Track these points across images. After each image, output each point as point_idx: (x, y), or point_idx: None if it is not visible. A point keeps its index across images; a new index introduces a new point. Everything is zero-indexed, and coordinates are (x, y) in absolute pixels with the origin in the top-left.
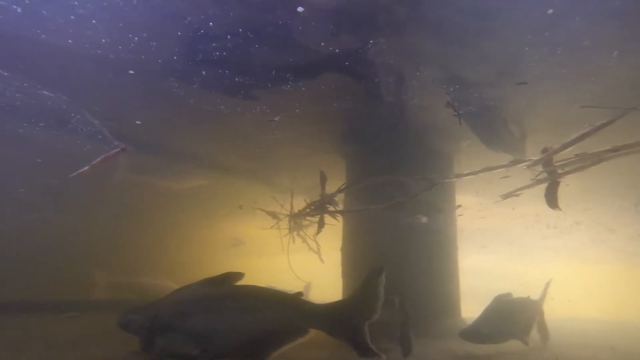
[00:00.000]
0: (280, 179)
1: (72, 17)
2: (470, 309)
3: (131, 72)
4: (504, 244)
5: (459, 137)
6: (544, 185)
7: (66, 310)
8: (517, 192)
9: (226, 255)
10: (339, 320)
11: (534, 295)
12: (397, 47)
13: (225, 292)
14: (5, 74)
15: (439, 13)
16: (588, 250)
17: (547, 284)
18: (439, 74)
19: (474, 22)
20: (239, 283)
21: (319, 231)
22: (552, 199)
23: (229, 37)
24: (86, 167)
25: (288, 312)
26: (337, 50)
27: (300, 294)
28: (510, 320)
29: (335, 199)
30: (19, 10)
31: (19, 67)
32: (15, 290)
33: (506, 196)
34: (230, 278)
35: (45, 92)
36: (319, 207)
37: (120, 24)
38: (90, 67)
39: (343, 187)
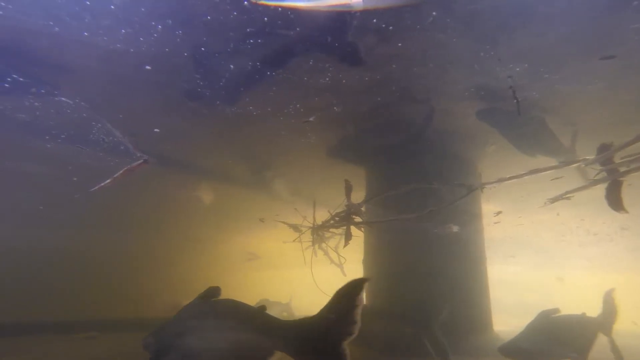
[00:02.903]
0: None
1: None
2: (501, 321)
3: (148, 67)
4: (534, 252)
5: (484, 142)
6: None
7: (85, 330)
8: (568, 195)
9: (242, 269)
10: (309, 338)
11: (592, 310)
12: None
13: (203, 310)
14: (22, 79)
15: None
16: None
17: (611, 297)
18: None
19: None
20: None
21: (346, 243)
22: (615, 201)
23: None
24: (109, 180)
25: (248, 331)
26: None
27: (263, 307)
28: (558, 338)
29: (362, 208)
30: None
31: (34, 71)
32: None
33: (553, 200)
34: (211, 293)
35: (64, 99)
36: (345, 218)
37: (143, 9)
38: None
39: (371, 196)
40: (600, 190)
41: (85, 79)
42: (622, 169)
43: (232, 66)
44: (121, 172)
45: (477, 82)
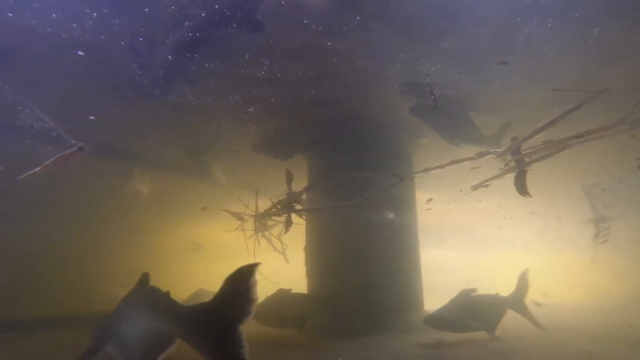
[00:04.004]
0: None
1: None
2: (432, 302)
3: (80, 52)
4: (463, 237)
5: (419, 134)
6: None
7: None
8: (487, 183)
9: (186, 260)
10: (205, 325)
11: (509, 287)
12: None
13: (129, 299)
14: None
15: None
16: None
17: (524, 277)
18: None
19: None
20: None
21: (286, 230)
22: (521, 187)
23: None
24: (38, 168)
25: (153, 320)
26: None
27: (168, 293)
28: (473, 313)
29: (302, 197)
30: None
31: None
32: None
33: (476, 187)
34: (143, 280)
35: None
36: (286, 206)
37: None
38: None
39: (311, 184)
40: (512, 178)
41: (11, 61)
42: (526, 160)
43: (170, 57)
44: (53, 159)
45: (408, 80)
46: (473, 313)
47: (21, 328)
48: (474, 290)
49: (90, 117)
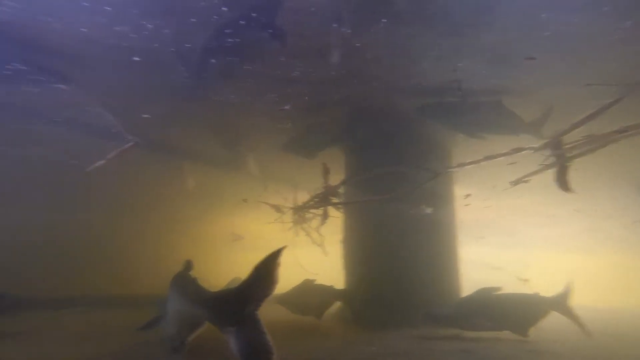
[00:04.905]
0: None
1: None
2: None
3: (136, 58)
4: (503, 235)
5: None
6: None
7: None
8: (526, 179)
9: (225, 249)
10: (226, 306)
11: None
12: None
13: (171, 283)
14: (21, 67)
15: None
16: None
17: (572, 277)
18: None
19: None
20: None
21: (322, 223)
22: (562, 183)
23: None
24: (102, 161)
25: (183, 301)
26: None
27: (195, 279)
28: (496, 311)
29: (339, 191)
30: None
31: (35, 59)
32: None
33: (515, 183)
34: (187, 267)
35: (61, 86)
36: (323, 199)
37: (135, 11)
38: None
39: (347, 179)
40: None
41: (81, 67)
42: (568, 155)
43: (213, 60)
44: (114, 153)
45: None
46: (493, 312)
47: (80, 304)
48: (497, 288)
49: (144, 116)
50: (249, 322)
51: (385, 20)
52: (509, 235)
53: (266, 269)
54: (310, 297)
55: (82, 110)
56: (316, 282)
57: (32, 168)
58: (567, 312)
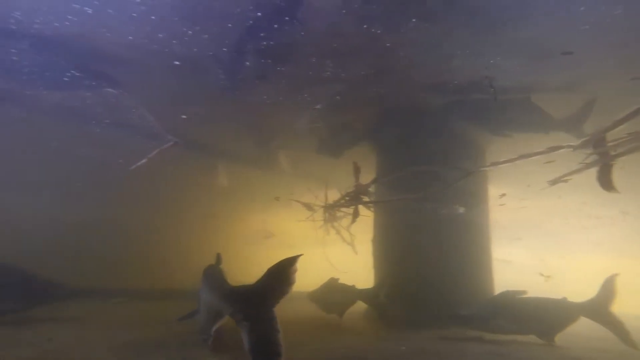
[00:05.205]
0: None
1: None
2: None
3: (177, 62)
4: (540, 236)
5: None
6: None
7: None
8: (565, 178)
9: (256, 246)
10: (243, 301)
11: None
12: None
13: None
14: (77, 74)
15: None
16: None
17: (611, 282)
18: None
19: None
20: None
21: (353, 221)
22: (606, 182)
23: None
24: (144, 160)
25: (208, 293)
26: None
27: (220, 271)
28: (519, 315)
29: (369, 189)
30: (89, 12)
31: (89, 66)
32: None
33: (554, 182)
34: (218, 260)
35: (110, 90)
36: (354, 198)
37: (176, 19)
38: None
39: (378, 178)
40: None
41: (127, 73)
42: (612, 153)
43: (247, 63)
44: (155, 152)
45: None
46: (514, 315)
47: (120, 295)
48: (522, 292)
49: (182, 116)
50: (263, 319)
51: (415, 20)
52: (548, 237)
53: (281, 272)
54: (333, 295)
55: (127, 112)
56: (339, 282)
57: (83, 167)
58: (603, 319)
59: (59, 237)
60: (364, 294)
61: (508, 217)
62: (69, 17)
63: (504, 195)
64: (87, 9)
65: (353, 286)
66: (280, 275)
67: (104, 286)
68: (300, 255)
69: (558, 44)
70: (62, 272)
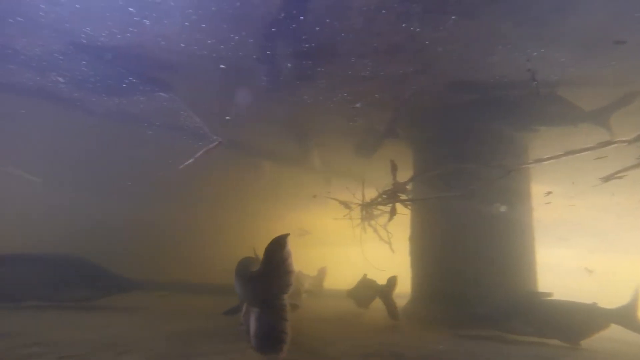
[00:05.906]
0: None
1: (187, 23)
2: None
3: (222, 66)
4: (589, 236)
5: (533, 122)
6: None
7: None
8: (620, 175)
9: (293, 244)
10: (250, 289)
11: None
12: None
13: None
14: (135, 81)
15: None
16: None
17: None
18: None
19: None
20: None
21: (390, 219)
22: None
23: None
24: (191, 160)
25: (238, 284)
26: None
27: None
28: (536, 318)
29: (407, 187)
30: (147, 23)
31: (144, 73)
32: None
33: (607, 179)
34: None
35: (162, 94)
36: (391, 196)
37: (225, 26)
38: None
39: (415, 176)
40: None
41: (177, 77)
42: None
43: (289, 64)
44: (201, 152)
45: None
46: (535, 318)
47: (167, 289)
48: (547, 293)
49: (227, 117)
50: (271, 306)
51: (454, 17)
52: (597, 237)
53: (278, 257)
54: (361, 291)
55: (176, 114)
56: (367, 277)
57: (137, 167)
58: (636, 326)
59: (133, 236)
60: (379, 290)
61: (554, 216)
62: (130, 28)
63: (549, 193)
64: (145, 20)
65: (374, 281)
66: (274, 258)
67: (153, 280)
68: (288, 234)
69: (609, 33)
70: (124, 267)
